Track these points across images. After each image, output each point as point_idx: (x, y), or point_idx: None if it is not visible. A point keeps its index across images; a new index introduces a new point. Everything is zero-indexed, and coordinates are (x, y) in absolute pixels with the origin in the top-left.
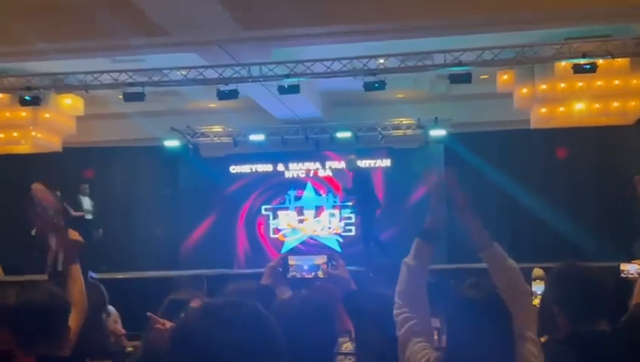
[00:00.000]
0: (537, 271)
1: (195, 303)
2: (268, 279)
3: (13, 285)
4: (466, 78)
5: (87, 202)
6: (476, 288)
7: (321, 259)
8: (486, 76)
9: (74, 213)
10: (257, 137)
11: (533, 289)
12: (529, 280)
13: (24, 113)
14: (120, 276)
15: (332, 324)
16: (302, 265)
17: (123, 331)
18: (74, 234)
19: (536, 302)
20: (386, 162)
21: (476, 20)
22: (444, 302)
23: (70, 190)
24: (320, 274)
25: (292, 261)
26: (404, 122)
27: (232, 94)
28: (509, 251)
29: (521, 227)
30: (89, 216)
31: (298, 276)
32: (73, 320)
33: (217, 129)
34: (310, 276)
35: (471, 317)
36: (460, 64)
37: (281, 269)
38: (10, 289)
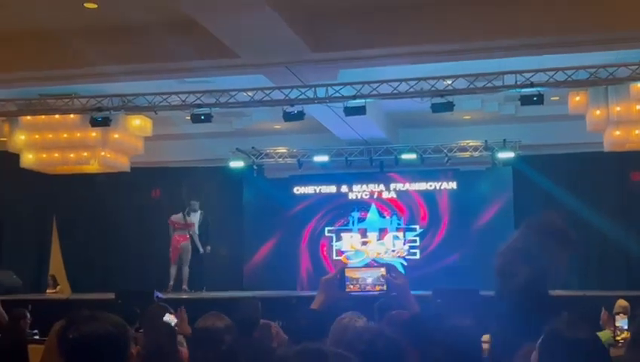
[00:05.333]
0: (621, 302)
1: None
2: (321, 296)
3: (81, 304)
4: (537, 100)
5: (196, 218)
6: (575, 327)
7: (381, 271)
8: (557, 97)
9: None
10: (321, 158)
11: (619, 324)
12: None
13: (94, 133)
14: (184, 296)
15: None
16: (365, 278)
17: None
18: None
19: (623, 337)
20: (452, 184)
21: (548, 41)
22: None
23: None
24: (384, 287)
25: (352, 273)
26: (470, 144)
27: (299, 116)
28: (579, 278)
29: (593, 254)
30: (195, 231)
31: (360, 291)
32: None
33: (282, 150)
34: (375, 290)
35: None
36: (531, 85)
37: (337, 283)
38: (77, 310)
